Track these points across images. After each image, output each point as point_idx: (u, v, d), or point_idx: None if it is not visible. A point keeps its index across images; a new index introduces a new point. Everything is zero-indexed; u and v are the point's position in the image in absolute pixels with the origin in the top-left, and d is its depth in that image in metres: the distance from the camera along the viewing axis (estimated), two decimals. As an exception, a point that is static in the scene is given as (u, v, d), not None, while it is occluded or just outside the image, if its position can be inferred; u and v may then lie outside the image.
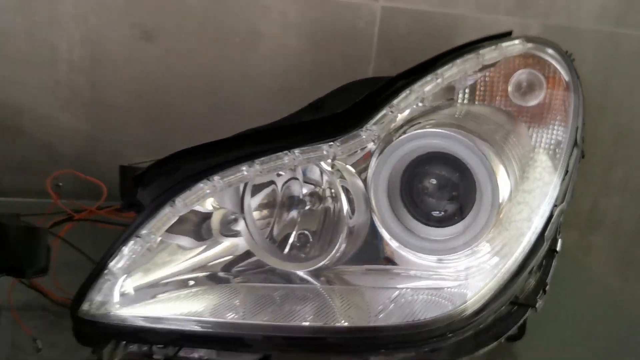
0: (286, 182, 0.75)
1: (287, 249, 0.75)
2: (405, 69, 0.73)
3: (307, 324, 0.63)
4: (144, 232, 0.63)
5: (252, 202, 0.74)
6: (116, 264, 0.62)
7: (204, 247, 0.73)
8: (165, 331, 0.63)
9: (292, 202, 0.76)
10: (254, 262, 0.75)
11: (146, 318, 0.64)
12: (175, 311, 0.65)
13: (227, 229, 0.74)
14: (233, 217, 0.74)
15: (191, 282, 0.68)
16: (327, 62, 1.01)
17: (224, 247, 0.75)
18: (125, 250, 0.63)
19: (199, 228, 0.73)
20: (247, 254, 0.74)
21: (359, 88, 0.86)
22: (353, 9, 1.00)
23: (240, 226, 0.73)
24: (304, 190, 0.75)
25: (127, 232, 0.64)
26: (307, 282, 0.73)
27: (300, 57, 1.00)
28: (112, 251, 0.63)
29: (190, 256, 0.72)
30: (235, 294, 0.70)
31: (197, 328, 0.63)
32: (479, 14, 1.03)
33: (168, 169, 0.66)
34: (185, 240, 0.71)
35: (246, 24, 0.97)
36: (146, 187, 0.66)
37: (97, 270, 0.63)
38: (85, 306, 0.62)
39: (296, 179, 0.75)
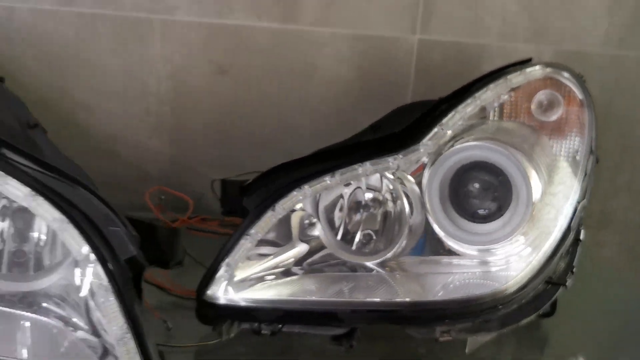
0: (353, 190, 0.91)
1: (354, 246, 0.91)
2: (447, 94, 0.90)
3: (387, 299, 0.78)
4: (252, 231, 0.79)
5: (326, 207, 0.91)
6: (231, 257, 0.79)
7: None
8: (271, 310, 0.79)
9: (358, 206, 0.92)
10: (327, 255, 0.91)
11: (255, 300, 0.79)
12: (278, 294, 0.80)
13: (304, 234, 0.90)
14: (309, 222, 0.90)
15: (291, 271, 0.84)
16: (372, 88, 1.17)
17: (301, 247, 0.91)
18: (238, 246, 0.79)
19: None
20: (322, 250, 0.91)
21: (409, 111, 1.02)
22: (393, 42, 1.16)
23: (317, 228, 0.89)
24: (367, 196, 0.92)
25: (238, 232, 0.79)
26: (373, 270, 0.89)
27: (349, 85, 1.17)
28: (228, 247, 0.79)
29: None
30: (319, 280, 0.85)
31: (297, 307, 0.78)
32: (501, 42, 1.19)
33: (267, 180, 0.82)
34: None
35: (304, 58, 1.14)
36: (250, 195, 0.82)
37: (216, 263, 0.79)
38: (208, 292, 0.78)
39: (360, 187, 0.91)
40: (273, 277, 0.83)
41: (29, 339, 0.71)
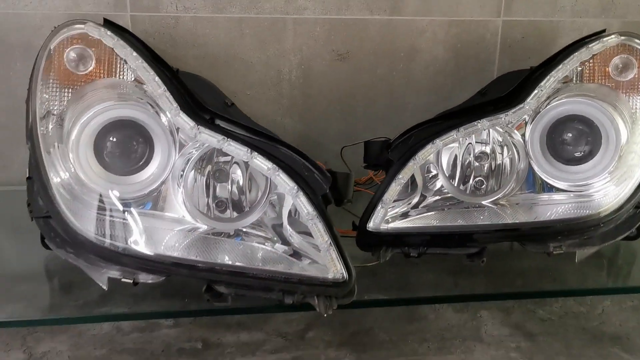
0: (466, 146, 1.12)
1: (468, 190, 1.12)
2: (539, 63, 1.10)
3: (508, 221, 0.99)
4: (399, 176, 1.01)
5: (444, 160, 1.12)
6: (386, 196, 1.01)
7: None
8: (419, 236, 1.01)
9: (469, 158, 1.12)
10: (449, 197, 1.11)
11: (405, 229, 1.02)
12: (423, 224, 1.02)
13: (429, 182, 1.12)
14: (430, 174, 1.11)
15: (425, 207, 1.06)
16: (464, 65, 1.39)
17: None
18: (390, 188, 1.01)
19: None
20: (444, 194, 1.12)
21: (508, 79, 1.23)
22: (482, 24, 1.37)
23: (439, 178, 1.10)
24: (478, 150, 1.13)
25: (388, 177, 1.02)
26: (486, 207, 1.10)
27: (445, 63, 1.39)
28: (382, 189, 1.01)
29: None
30: (452, 213, 1.07)
31: (440, 231, 1.00)
32: (573, 18, 1.39)
33: (407, 137, 1.04)
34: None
35: (408, 43, 1.36)
36: (394, 149, 1.04)
37: (374, 201, 1.01)
38: (369, 224, 1.01)
39: (471, 143, 1.12)
40: (415, 213, 1.06)
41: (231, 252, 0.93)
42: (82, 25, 0.94)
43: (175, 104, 0.91)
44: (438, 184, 1.11)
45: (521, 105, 1.05)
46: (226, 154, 0.93)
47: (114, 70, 0.97)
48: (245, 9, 1.29)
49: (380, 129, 1.32)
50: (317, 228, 0.87)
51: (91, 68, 0.96)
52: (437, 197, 1.10)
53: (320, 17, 1.32)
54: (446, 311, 1.20)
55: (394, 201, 1.03)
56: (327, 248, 0.87)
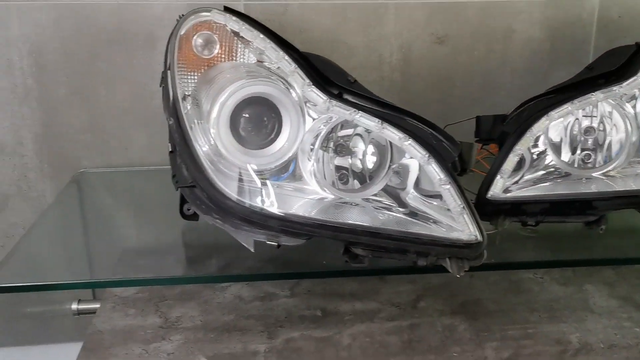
0: (574, 121, 1.14)
1: (576, 163, 1.13)
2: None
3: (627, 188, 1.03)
4: (517, 147, 1.05)
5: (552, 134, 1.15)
6: (505, 167, 1.04)
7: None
8: (537, 204, 1.04)
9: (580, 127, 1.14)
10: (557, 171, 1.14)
11: (523, 197, 1.05)
12: (540, 192, 1.06)
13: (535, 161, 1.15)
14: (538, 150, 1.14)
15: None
16: (560, 46, 1.42)
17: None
18: (508, 159, 1.04)
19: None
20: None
21: (614, 54, 1.25)
22: (578, 4, 1.40)
23: (549, 153, 1.13)
24: (584, 123, 1.15)
25: (505, 148, 1.05)
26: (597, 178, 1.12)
27: (541, 44, 1.42)
28: (500, 159, 1.04)
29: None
30: (565, 183, 1.10)
31: (559, 199, 1.03)
32: (670, -5, 1.41)
33: (522, 110, 1.08)
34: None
35: (505, 24, 1.40)
36: (509, 123, 1.08)
37: (493, 171, 1.05)
38: (489, 193, 1.04)
39: (577, 118, 1.15)
40: (530, 183, 1.09)
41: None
42: (207, 13, 1.01)
43: (307, 80, 0.97)
44: (548, 159, 1.15)
45: (635, 77, 1.07)
46: (347, 128, 0.99)
47: (234, 54, 1.04)
48: (349, -5, 1.36)
49: (476, 109, 1.34)
50: (450, 193, 0.91)
51: (216, 52, 1.04)
52: (545, 171, 1.14)
53: (420, 1, 1.38)
54: (550, 284, 1.24)
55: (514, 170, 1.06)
56: (461, 211, 0.91)
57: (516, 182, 1.09)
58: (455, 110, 1.42)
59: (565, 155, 1.13)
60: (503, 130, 1.08)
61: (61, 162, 1.41)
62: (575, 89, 1.09)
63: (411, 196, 0.98)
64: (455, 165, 0.96)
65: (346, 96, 1.01)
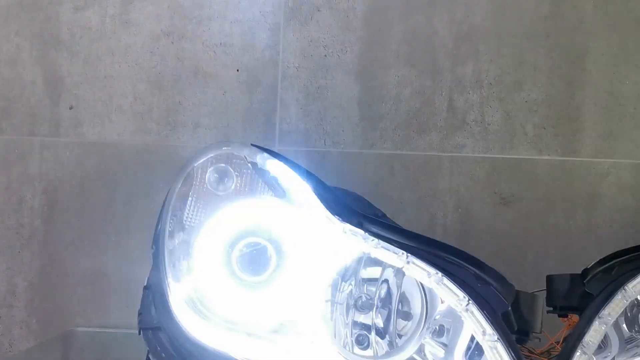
0: None
1: None
2: None
3: None
4: (604, 313, 0.76)
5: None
6: (588, 338, 0.73)
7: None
8: None
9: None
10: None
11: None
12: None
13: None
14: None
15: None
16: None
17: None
18: (590, 329, 0.75)
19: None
20: None
21: None
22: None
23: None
24: None
25: (588, 314, 0.76)
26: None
27: (636, 213, 1.16)
28: (582, 328, 0.75)
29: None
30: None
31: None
32: None
33: (609, 266, 0.81)
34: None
35: (588, 188, 1.18)
36: (591, 281, 0.80)
37: (570, 345, 0.74)
38: None
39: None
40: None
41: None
42: (227, 147, 0.89)
43: (324, 208, 0.79)
44: (650, 336, 0.83)
45: None
46: (372, 267, 0.77)
47: (254, 190, 0.90)
48: (397, 144, 1.20)
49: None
50: (499, 354, 0.63)
51: (232, 188, 0.90)
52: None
53: (480, 156, 1.20)
54: None
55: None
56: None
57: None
58: (525, 286, 1.14)
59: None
60: (584, 291, 0.80)
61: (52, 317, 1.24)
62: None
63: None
64: (511, 321, 0.68)
65: (367, 226, 0.80)
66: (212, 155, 0.90)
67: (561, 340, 0.95)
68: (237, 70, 1.24)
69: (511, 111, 1.21)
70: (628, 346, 0.82)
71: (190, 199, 0.90)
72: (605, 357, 0.79)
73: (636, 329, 0.84)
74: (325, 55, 1.23)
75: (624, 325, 0.82)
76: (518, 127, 1.20)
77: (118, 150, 1.25)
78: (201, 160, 0.90)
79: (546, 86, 1.20)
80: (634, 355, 0.81)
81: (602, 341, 0.81)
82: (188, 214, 0.89)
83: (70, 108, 1.27)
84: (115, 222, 1.24)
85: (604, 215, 1.17)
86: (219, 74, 1.25)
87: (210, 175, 0.89)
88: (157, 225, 0.88)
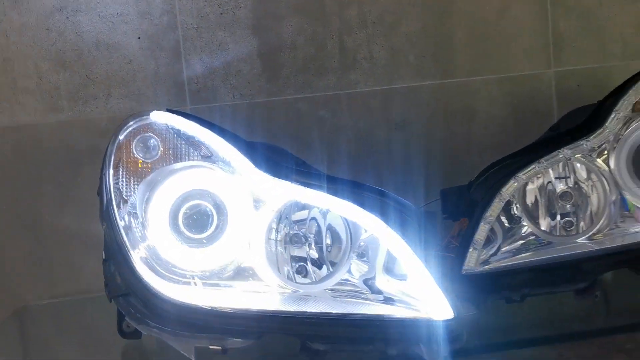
0: (545, 185, 1.06)
1: (558, 231, 1.03)
2: (607, 94, 1.07)
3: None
4: (487, 214, 0.95)
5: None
6: (477, 237, 0.94)
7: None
8: (519, 274, 0.94)
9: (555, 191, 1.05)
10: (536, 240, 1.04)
11: (504, 267, 0.95)
12: (520, 261, 0.95)
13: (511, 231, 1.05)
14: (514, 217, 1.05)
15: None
16: (523, 120, 1.37)
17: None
18: (479, 229, 0.95)
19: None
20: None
21: (577, 114, 1.19)
22: (534, 78, 1.38)
23: (525, 222, 1.04)
24: (559, 187, 1.06)
25: (475, 218, 0.96)
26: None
27: (504, 121, 1.37)
28: (472, 230, 0.95)
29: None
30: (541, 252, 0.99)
31: (543, 265, 0.93)
32: (625, 62, 1.39)
33: (486, 176, 1.00)
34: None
35: (465, 105, 1.36)
36: (474, 191, 0.99)
37: (465, 243, 0.95)
38: (463, 267, 0.93)
39: (550, 181, 1.07)
40: (509, 254, 0.98)
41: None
42: (147, 115, 0.96)
43: (251, 165, 0.90)
44: (524, 228, 1.05)
45: (601, 130, 1.00)
46: (300, 210, 0.91)
47: (179, 154, 0.98)
48: (299, 90, 1.33)
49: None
50: (415, 265, 0.81)
51: (158, 155, 0.98)
52: (524, 241, 1.04)
53: (372, 89, 1.35)
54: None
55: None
56: (428, 288, 0.80)
57: (494, 254, 1.00)
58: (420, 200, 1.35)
59: (544, 223, 1.05)
60: (471, 199, 1.00)
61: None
62: (541, 148, 1.02)
63: (382, 278, 0.87)
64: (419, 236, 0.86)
65: (292, 176, 0.93)
66: (133, 126, 0.97)
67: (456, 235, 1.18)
68: (139, 37, 1.29)
69: (395, 45, 1.35)
70: (509, 234, 1.04)
71: (124, 172, 0.98)
72: (493, 246, 1.00)
73: (514, 221, 1.06)
74: (222, 14, 1.30)
75: (504, 219, 1.04)
76: (402, 59, 1.35)
77: (34, 131, 1.27)
78: (124, 133, 0.98)
79: (422, 19, 1.35)
80: (515, 240, 1.03)
81: (489, 235, 1.01)
82: (127, 187, 0.96)
83: (-25, 96, 1.27)
84: (46, 201, 1.28)
85: (480, 126, 1.38)
86: (121, 43, 1.29)
87: (135, 145, 0.97)
88: (101, 203, 0.96)
